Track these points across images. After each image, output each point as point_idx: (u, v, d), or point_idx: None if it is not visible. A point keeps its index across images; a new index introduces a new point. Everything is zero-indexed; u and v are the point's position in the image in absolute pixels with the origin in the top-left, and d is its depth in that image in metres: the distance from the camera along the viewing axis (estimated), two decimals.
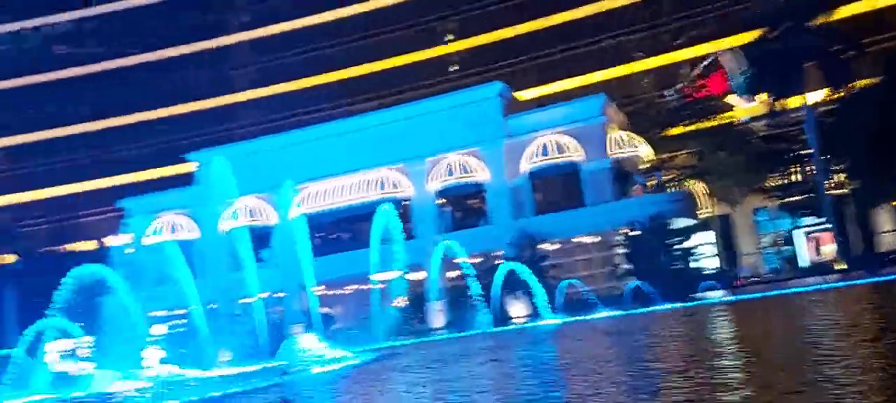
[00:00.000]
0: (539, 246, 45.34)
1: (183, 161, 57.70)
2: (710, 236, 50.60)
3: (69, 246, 63.12)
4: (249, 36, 70.61)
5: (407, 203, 51.03)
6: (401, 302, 51.70)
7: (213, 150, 52.33)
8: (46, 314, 36.60)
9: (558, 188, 49.33)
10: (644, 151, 50.01)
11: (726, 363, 13.16)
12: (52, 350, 59.23)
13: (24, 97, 71.73)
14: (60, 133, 71.13)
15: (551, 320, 36.93)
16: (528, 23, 64.36)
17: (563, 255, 46.59)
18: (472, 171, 49.23)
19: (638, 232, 43.79)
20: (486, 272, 43.10)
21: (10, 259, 60.47)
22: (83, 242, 64.82)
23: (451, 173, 49.33)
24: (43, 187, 70.57)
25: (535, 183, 49.22)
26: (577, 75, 62.71)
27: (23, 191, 70.60)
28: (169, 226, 53.79)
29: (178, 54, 70.93)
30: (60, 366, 58.49)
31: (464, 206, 52.45)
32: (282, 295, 52.23)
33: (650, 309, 35.92)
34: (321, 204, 51.39)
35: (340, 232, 53.37)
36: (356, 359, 28.17)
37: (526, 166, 48.43)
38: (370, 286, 45.18)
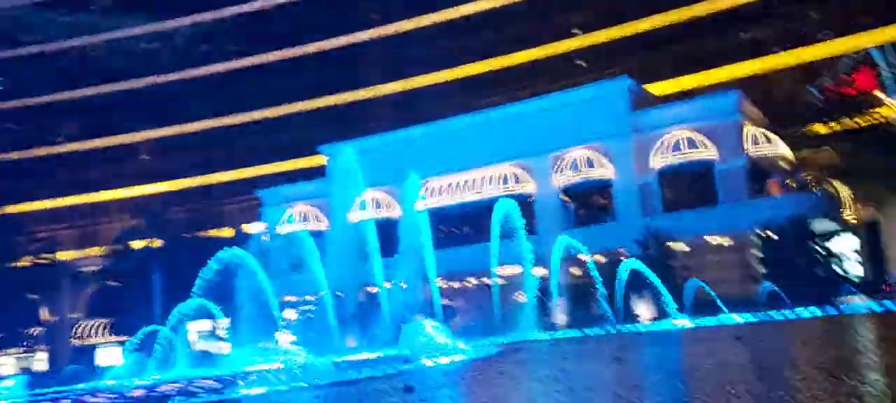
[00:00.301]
0: (667, 245, 43.95)
1: (315, 153, 59.90)
2: (853, 241, 47.36)
3: (209, 233, 66.90)
4: (379, 33, 72.34)
5: (530, 199, 50.76)
6: (521, 297, 51.63)
7: (343, 144, 54.09)
8: (190, 295, 39.02)
9: (689, 186, 47.56)
10: (782, 150, 47.44)
11: (874, 375, 12.23)
12: (194, 330, 63.27)
13: (172, 92, 76.79)
14: (204, 126, 75.62)
15: (678, 321, 35.74)
16: (658, 15, 62.40)
17: (692, 255, 44.93)
18: (597, 167, 48.35)
19: (774, 234, 41.57)
20: (610, 270, 42.25)
21: (157, 243, 64.74)
22: (221, 229, 68.59)
23: (576, 169, 48.64)
24: (188, 177, 75.29)
25: (664, 180, 47.74)
26: (710, 69, 60.21)
27: (170, 180, 75.59)
28: (300, 216, 56.04)
29: (313, 51, 73.70)
30: (200, 345, 62.41)
31: (588, 203, 51.56)
32: (405, 285, 53.35)
33: (785, 314, 34.03)
34: (445, 198, 52.01)
35: (463, 226, 53.77)
36: (476, 352, 28.32)
37: (655, 163, 47.05)
38: (491, 280, 45.36)
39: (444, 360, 26.44)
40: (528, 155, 50.15)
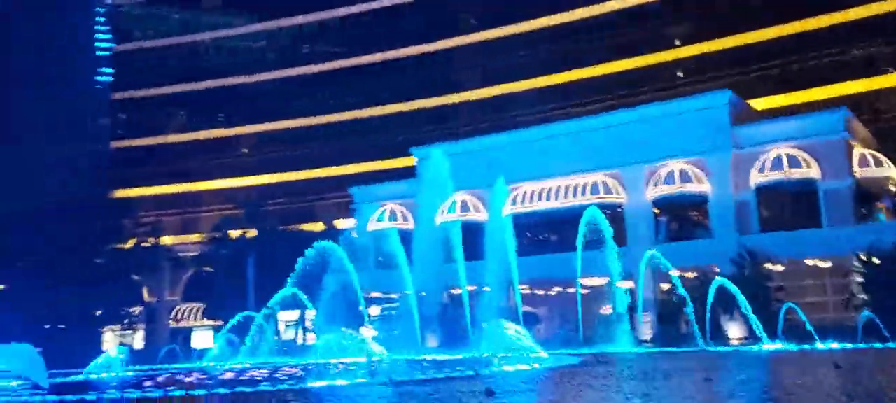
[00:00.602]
0: (763, 266, 42.36)
1: (407, 154, 60.76)
2: None
3: (301, 226, 68.80)
4: (476, 38, 72.71)
5: (620, 210, 49.93)
6: (607, 309, 50.82)
7: (434, 146, 54.66)
8: (283, 284, 40.29)
9: (789, 205, 45.71)
10: (892, 172, 44.95)
11: None
12: (282, 320, 65.20)
13: (273, 90, 79.51)
14: (301, 124, 77.91)
15: (770, 345, 34.38)
16: (763, 29, 60.29)
17: (790, 278, 43.14)
18: (693, 181, 47.04)
19: (878, 260, 39.40)
20: (701, 288, 41.07)
21: (252, 233, 67.03)
22: (313, 224, 70.40)
23: (670, 182, 47.47)
24: (284, 171, 77.74)
25: (762, 198, 46.03)
26: (816, 86, 57.69)
27: (267, 173, 78.20)
28: (389, 215, 56.92)
29: (409, 54, 74.86)
30: (287, 335, 64.21)
31: (682, 217, 50.25)
32: (488, 289, 53.42)
33: (888, 345, 32.22)
34: (533, 204, 51.77)
35: (550, 234, 53.39)
36: (557, 361, 28.07)
37: (754, 179, 45.42)
38: (575, 290, 44.91)
39: (524, 366, 26.32)
40: (621, 165, 49.31)
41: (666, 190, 47.63)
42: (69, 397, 21.13)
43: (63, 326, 49.62)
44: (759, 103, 56.66)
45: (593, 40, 67.21)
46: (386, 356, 29.36)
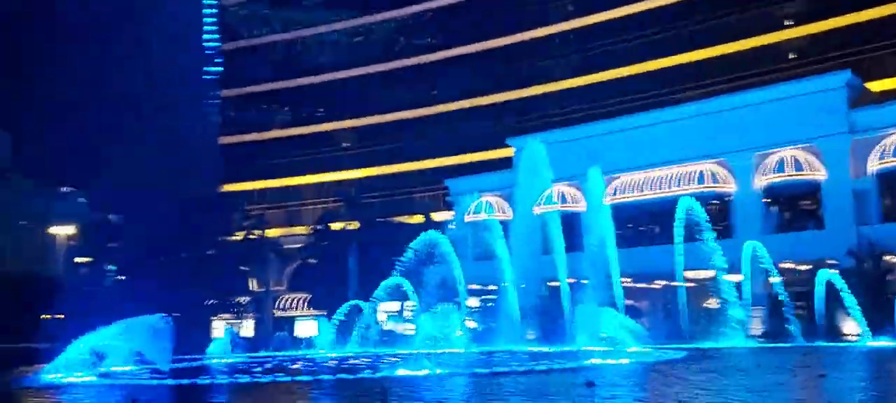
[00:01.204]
0: (883, 259, 39.83)
1: (503, 146, 60.51)
2: None
3: (400, 218, 69.73)
4: (571, 25, 71.62)
5: (728, 199, 48.07)
6: (712, 303, 49.04)
7: (531, 136, 54.13)
8: (383, 275, 41.00)
9: None
10: None
11: None
12: (383, 310, 66.32)
13: (372, 84, 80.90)
14: (399, 117, 78.92)
15: (889, 342, 32.30)
16: (882, 6, 56.52)
17: None
18: (806, 169, 44.69)
19: None
20: (814, 281, 39.03)
21: (353, 225, 68.46)
22: (412, 216, 71.23)
23: (781, 170, 45.26)
24: (382, 165, 78.99)
25: (883, 186, 43.25)
26: None
27: (367, 167, 79.70)
28: (486, 206, 56.87)
29: (503, 44, 74.51)
30: (388, 325, 65.29)
31: (794, 207, 47.87)
32: (586, 282, 52.54)
33: None
34: (634, 194, 50.56)
35: (653, 224, 51.98)
36: (660, 355, 27.32)
37: (874, 166, 42.71)
38: (678, 283, 43.56)
39: (625, 360, 25.74)
40: (728, 152, 47.39)
41: (776, 178, 45.46)
42: (185, 380, 22.15)
43: (177, 314, 52.02)
44: (878, 85, 53.26)
45: (694, 23, 64.89)
46: (485, 348, 29.30)
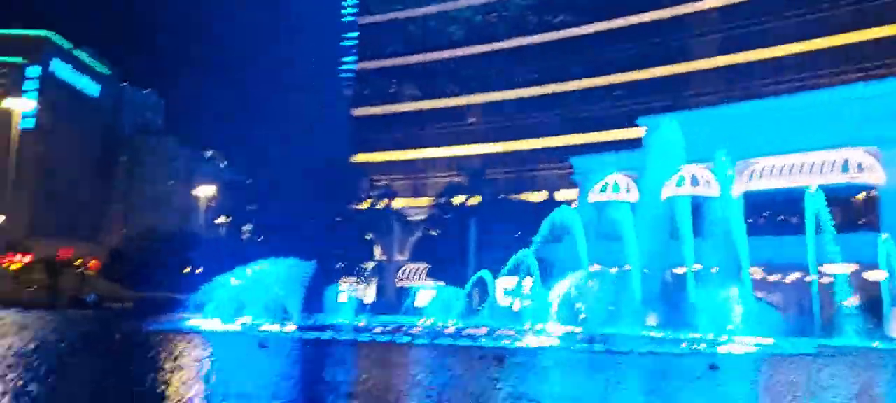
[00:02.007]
0: None
1: (633, 125, 58.98)
2: None
3: (522, 195, 69.55)
4: (710, 4, 68.58)
5: (874, 192, 44.87)
6: (853, 301, 46.11)
7: (665, 116, 52.38)
8: (505, 250, 41.23)
9: None
10: None
11: None
12: (500, 286, 66.57)
13: (500, 60, 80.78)
14: (526, 93, 78.49)
15: None
16: None
17: None
18: None
19: None
20: None
21: (475, 199, 68.90)
22: (534, 193, 70.89)
23: None
24: (507, 140, 78.87)
25: None
26: None
27: (492, 142, 79.81)
28: (612, 186, 55.73)
29: (637, 22, 72.36)
30: (505, 300, 65.52)
31: None
32: (715, 270, 50.57)
33: None
34: (771, 181, 48.07)
35: (789, 214, 49.26)
36: (788, 348, 26.09)
37: None
38: (811, 276, 41.30)
39: (751, 348, 24.75)
40: (880, 141, 44.06)
41: None
42: (311, 334, 23.28)
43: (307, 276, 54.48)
44: None
45: (841, 4, 60.52)
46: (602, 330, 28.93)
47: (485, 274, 45.52)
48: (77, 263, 72.15)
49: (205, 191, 62.93)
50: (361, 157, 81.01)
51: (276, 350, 16.99)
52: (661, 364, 18.11)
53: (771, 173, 48.27)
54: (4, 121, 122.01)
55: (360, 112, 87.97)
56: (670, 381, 13.97)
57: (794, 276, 47.14)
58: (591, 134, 70.67)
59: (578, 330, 35.52)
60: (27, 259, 67.83)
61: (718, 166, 44.61)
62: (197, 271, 58.83)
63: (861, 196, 47.30)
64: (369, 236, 75.56)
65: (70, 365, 14.04)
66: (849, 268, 41.95)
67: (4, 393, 9.48)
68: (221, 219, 70.08)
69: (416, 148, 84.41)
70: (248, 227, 69.03)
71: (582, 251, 41.56)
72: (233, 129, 61.85)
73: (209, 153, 68.66)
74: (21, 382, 10.60)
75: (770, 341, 27.35)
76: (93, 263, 74.24)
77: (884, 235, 38.37)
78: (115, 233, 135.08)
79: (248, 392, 10.09)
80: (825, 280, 44.42)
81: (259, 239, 67.05)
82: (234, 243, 66.50)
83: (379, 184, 76.16)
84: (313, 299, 39.34)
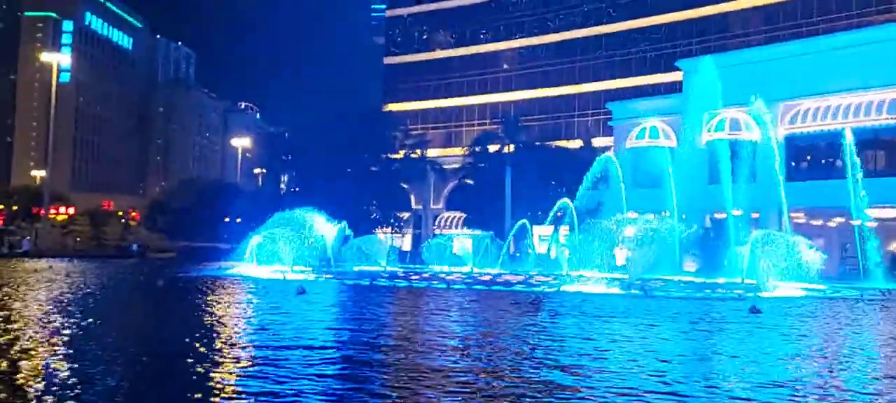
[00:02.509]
0: None
1: (672, 69, 57.79)
2: None
3: (558, 143, 68.82)
4: None
5: None
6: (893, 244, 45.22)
7: (703, 58, 51.16)
8: (541, 198, 41.13)
9: None
10: None
11: None
12: (537, 233, 66.45)
13: (535, 3, 79.34)
14: (560, 38, 77.17)
15: None
16: None
17: None
18: None
19: None
20: None
21: (510, 148, 68.38)
22: (570, 140, 70.13)
23: None
24: (542, 87, 77.92)
25: None
26: None
27: (526, 89, 78.89)
28: (650, 132, 54.83)
29: None
30: (541, 248, 65.48)
31: None
32: (756, 215, 49.79)
33: None
34: (814, 124, 46.85)
35: (833, 158, 48.10)
36: (830, 292, 25.71)
37: None
38: (856, 221, 40.44)
39: (794, 293, 24.41)
40: None
41: None
42: (348, 281, 23.48)
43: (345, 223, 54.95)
44: None
45: None
46: (644, 276, 28.72)
47: (522, 222, 45.52)
48: (120, 214, 73.65)
49: (241, 143, 63.36)
50: (395, 106, 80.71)
51: (313, 295, 17.17)
52: (700, 308, 17.94)
53: (814, 116, 47.05)
54: (42, 76, 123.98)
55: (392, 60, 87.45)
56: (709, 324, 13.82)
57: (837, 221, 46.23)
58: (628, 79, 69.44)
59: (617, 276, 35.38)
60: (71, 211, 69.36)
61: (757, 109, 43.59)
62: (237, 220, 59.66)
63: None
64: (404, 186, 75.70)
65: (121, 306, 14.36)
66: (894, 212, 41.03)
67: (64, 328, 9.73)
68: (258, 170, 70.74)
69: (450, 96, 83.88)
70: (284, 178, 69.60)
71: (620, 198, 41.23)
72: (265, 81, 62.02)
73: (243, 105, 68.72)
74: (80, 319, 10.93)
75: (813, 286, 26.93)
76: (135, 214, 75.73)
77: None
78: (155, 185, 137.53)
79: (284, 333, 10.20)
80: (870, 224, 43.48)
81: (295, 190, 67.63)
82: (272, 194, 67.20)
83: (414, 133, 75.93)
84: (351, 248, 39.74)
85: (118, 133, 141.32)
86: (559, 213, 42.88)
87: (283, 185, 69.29)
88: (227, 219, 60.33)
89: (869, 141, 46.51)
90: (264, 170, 70.98)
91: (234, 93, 64.23)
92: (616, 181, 42.44)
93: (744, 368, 8.58)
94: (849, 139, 38.71)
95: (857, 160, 38.79)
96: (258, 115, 67.55)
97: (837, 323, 15.63)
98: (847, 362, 9.37)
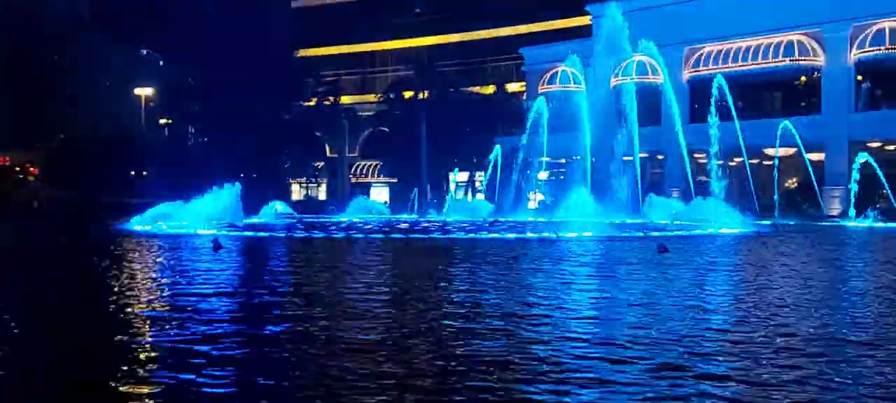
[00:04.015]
0: None
1: (582, 12, 58.49)
2: None
3: (472, 89, 68.88)
4: None
5: (817, 74, 45.77)
6: (793, 182, 47.71)
7: (610, 3, 51.97)
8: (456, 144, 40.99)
9: None
10: None
11: None
12: (454, 180, 66.87)
13: None
14: None
15: None
16: None
17: None
18: None
19: None
20: None
21: (425, 94, 68.12)
22: (485, 86, 70.29)
23: (879, 42, 42.52)
24: (455, 32, 77.29)
25: None
26: None
27: (440, 34, 78.14)
28: (560, 77, 55.61)
29: None
30: (459, 194, 65.94)
31: (888, 84, 45.28)
32: (661, 157, 51.59)
33: None
34: (717, 67, 48.53)
35: (736, 99, 50.12)
36: (740, 229, 27.03)
37: None
38: (755, 160, 42.47)
39: (700, 231, 25.53)
40: (821, 23, 44.61)
41: (871, 51, 42.84)
42: (249, 233, 23.10)
43: (255, 175, 53.91)
44: None
45: None
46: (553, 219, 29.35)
47: (440, 169, 45.81)
48: (17, 170, 69.87)
49: (144, 92, 60.54)
50: (307, 52, 78.81)
51: (228, 249, 16.83)
52: (613, 247, 18.54)
53: (715, 59, 48.70)
54: None
55: (301, 3, 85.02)
56: (617, 264, 14.33)
57: (737, 160, 48.41)
58: (541, 23, 69.80)
59: (530, 220, 36.14)
60: None
61: (660, 53, 44.86)
62: (143, 174, 57.59)
63: (803, 79, 48.21)
64: (318, 134, 74.60)
65: (27, 270, 13.73)
66: (789, 151, 43.20)
67: None
68: (163, 121, 68.13)
69: (362, 42, 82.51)
70: (191, 129, 67.39)
71: (542, 143, 42.10)
72: (168, 26, 58.76)
73: (145, 52, 65.35)
74: None
75: (716, 223, 28.22)
76: (33, 170, 71.83)
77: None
78: (54, 138, 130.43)
79: (200, 284, 10.01)
80: (769, 163, 45.66)
81: (204, 140, 65.62)
82: (179, 144, 65.02)
83: (326, 80, 74.52)
84: (264, 199, 39.05)
85: (5, 82, 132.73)
86: (475, 159, 43.42)
87: (191, 136, 67.10)
88: (132, 173, 58.17)
89: (767, 84, 48.58)
90: (170, 121, 68.41)
91: (135, 38, 60.98)
92: (539, 125, 43.20)
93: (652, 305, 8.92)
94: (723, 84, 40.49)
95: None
96: (161, 62, 64.41)
97: (731, 257, 16.48)
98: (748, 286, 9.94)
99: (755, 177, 41.99)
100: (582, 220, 24.93)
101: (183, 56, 59.10)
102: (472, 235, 23.41)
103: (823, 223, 36.18)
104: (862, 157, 38.10)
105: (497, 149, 42.88)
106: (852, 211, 36.72)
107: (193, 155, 60.06)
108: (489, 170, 45.06)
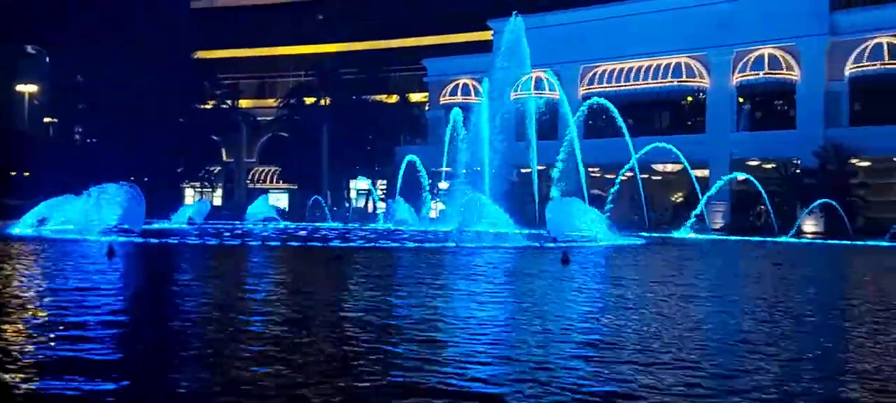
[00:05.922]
0: (849, 162, 40.78)
1: (484, 27, 59.58)
2: None
3: (374, 97, 68.76)
4: None
5: (702, 95, 48.35)
6: (678, 197, 50.13)
7: (511, 19, 53.26)
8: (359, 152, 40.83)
9: (886, 99, 43.31)
10: None
11: None
12: (354, 188, 66.54)
13: None
14: None
15: (845, 240, 33.54)
16: None
17: (876, 175, 41.49)
18: (783, 68, 44.94)
19: None
20: (779, 179, 39.96)
21: (326, 100, 67.58)
22: (387, 96, 70.32)
23: (758, 67, 45.45)
24: (358, 41, 77.03)
25: (855, 90, 43.77)
26: None
27: (343, 42, 77.63)
28: (462, 89, 56.51)
29: None
30: (359, 203, 65.69)
31: (766, 106, 48.41)
32: (556, 169, 53.09)
33: None
34: (611, 85, 50.53)
35: (627, 116, 52.31)
36: (624, 241, 28.15)
37: (849, 70, 43.07)
38: (646, 175, 44.39)
39: (592, 244, 26.48)
40: (708, 47, 47.26)
41: (752, 76, 45.74)
42: (153, 240, 22.39)
43: (147, 179, 51.89)
44: None
45: None
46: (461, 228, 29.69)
47: (339, 177, 45.54)
48: None
49: (28, 89, 57.15)
50: (204, 54, 76.71)
51: (122, 256, 16.25)
52: (514, 258, 19.01)
53: (609, 78, 50.66)
54: None
55: (200, 4, 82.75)
56: (517, 275, 14.74)
57: (629, 175, 50.46)
58: (445, 35, 70.50)
59: (429, 230, 36.47)
60: None
61: (559, 70, 46.36)
62: (24, 174, 54.57)
63: (689, 99, 50.83)
64: (215, 138, 72.71)
65: None
66: (676, 167, 45.41)
67: None
68: (48, 120, 64.69)
69: (263, 46, 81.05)
70: (79, 128, 64.27)
71: (444, 154, 42.60)
72: (57, 24, 55.75)
73: (30, 49, 61.72)
74: None
75: (607, 237, 29.32)
76: None
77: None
78: None
79: (91, 289, 9.66)
80: (657, 178, 47.85)
81: (92, 140, 62.74)
82: (66, 144, 61.89)
83: (225, 82, 72.74)
84: (158, 204, 37.72)
85: None
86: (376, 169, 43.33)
87: (77, 136, 63.95)
88: (13, 173, 54.97)
89: (655, 102, 50.95)
90: (56, 120, 65.01)
91: (21, 36, 57.60)
92: (440, 136, 43.69)
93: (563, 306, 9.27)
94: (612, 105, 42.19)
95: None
96: (47, 59, 60.90)
97: (628, 266, 17.27)
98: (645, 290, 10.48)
99: (645, 190, 43.84)
100: (481, 230, 25.42)
101: (75, 54, 56.38)
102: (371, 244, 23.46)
103: (654, 234, 37.90)
104: (736, 175, 40.62)
105: (408, 158, 43.04)
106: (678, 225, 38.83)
107: (81, 156, 57.24)
108: (400, 179, 45.24)
